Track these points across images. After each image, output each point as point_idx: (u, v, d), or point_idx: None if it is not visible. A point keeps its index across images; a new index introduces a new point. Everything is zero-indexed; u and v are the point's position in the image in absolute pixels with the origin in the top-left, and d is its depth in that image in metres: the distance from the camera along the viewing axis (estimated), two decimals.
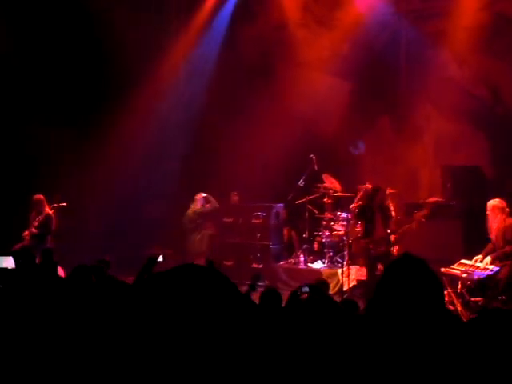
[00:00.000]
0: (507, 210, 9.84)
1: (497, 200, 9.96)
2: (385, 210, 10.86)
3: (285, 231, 14.26)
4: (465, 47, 12.99)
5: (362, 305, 6.83)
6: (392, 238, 10.86)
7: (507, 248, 9.64)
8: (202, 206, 14.44)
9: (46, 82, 13.92)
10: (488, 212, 9.93)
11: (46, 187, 12.64)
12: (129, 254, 13.99)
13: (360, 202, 11.31)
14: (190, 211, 14.51)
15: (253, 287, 7.00)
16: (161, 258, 7.25)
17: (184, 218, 14.55)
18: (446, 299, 9.77)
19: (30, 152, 13.64)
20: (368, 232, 10.99)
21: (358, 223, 11.84)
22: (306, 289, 5.25)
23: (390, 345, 2.61)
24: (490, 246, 10.02)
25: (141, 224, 14.78)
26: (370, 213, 10.85)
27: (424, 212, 10.89)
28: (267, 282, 12.24)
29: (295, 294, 5.33)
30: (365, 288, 11.27)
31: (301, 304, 4.92)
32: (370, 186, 11.10)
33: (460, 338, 2.71)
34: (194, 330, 1.97)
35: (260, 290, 6.99)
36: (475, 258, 10.01)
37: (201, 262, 10.57)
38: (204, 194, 14.45)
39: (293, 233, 14.35)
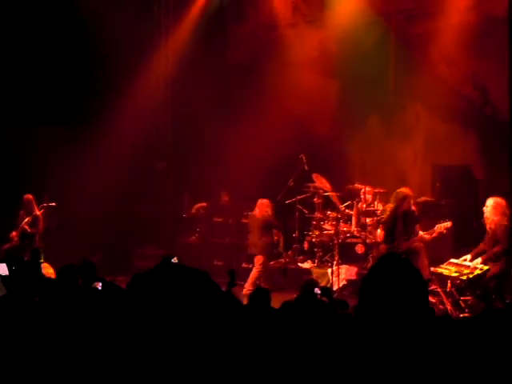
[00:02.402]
0: (507, 210, 9.72)
1: (498, 198, 9.81)
2: (409, 217, 10.60)
3: (274, 231, 14.24)
4: (453, 47, 13.03)
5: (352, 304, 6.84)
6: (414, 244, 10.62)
7: (496, 248, 9.62)
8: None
9: (33, 81, 13.88)
10: (489, 209, 9.78)
11: (34, 187, 12.61)
12: (118, 254, 14.03)
13: (389, 207, 11.04)
14: None
15: (232, 284, 7.02)
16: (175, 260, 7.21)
17: None
18: (436, 299, 9.82)
19: (17, 151, 13.61)
20: (389, 238, 10.76)
21: (379, 227, 11.63)
22: (318, 290, 5.30)
23: (377, 343, 2.61)
24: (481, 246, 10.02)
25: (130, 223, 14.76)
26: (394, 219, 10.60)
27: (447, 225, 10.65)
28: (258, 281, 12.26)
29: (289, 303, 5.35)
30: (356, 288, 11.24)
31: (292, 305, 4.95)
32: (402, 192, 10.77)
33: (446, 336, 2.72)
34: (178, 328, 1.97)
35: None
36: (463, 258, 10.02)
37: None
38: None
39: (280, 233, 14.33)
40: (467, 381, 2.72)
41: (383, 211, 11.70)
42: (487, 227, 9.82)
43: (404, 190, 10.75)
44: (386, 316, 2.63)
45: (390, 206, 10.92)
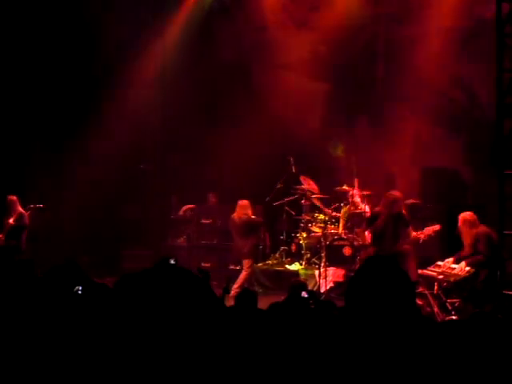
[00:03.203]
0: (477, 222, 9.87)
1: (467, 213, 9.99)
2: (399, 220, 10.54)
3: (261, 230, 14.22)
4: (441, 50, 13.06)
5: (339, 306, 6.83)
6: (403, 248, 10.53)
7: (479, 257, 9.67)
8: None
9: (19, 84, 13.84)
10: (459, 224, 9.98)
11: (22, 188, 12.55)
12: (106, 255, 13.99)
13: (377, 209, 10.99)
14: None
15: (226, 290, 7.00)
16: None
17: None
18: (423, 301, 9.83)
19: (5, 153, 13.57)
20: (377, 241, 10.69)
21: (367, 229, 11.61)
22: (305, 294, 5.30)
23: (364, 344, 2.62)
24: (465, 250, 10.07)
25: (118, 225, 14.74)
26: (383, 221, 10.52)
27: (435, 227, 10.72)
28: (246, 284, 12.26)
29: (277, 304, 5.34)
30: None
31: (278, 307, 4.94)
32: (393, 194, 10.72)
33: (431, 336, 2.73)
34: (167, 327, 1.96)
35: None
36: (446, 261, 10.05)
37: None
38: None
39: (267, 234, 14.33)
40: (454, 381, 2.72)
41: (371, 213, 11.69)
42: (464, 242, 9.96)
43: (394, 193, 10.74)
44: (372, 317, 2.63)
45: (379, 209, 10.90)
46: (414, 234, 10.62)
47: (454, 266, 9.87)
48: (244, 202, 12.67)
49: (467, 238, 9.91)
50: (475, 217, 9.93)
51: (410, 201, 12.25)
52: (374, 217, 10.90)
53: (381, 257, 2.92)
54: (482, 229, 9.80)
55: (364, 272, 2.79)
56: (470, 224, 9.89)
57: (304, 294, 5.29)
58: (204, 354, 2.03)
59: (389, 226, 10.38)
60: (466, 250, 9.95)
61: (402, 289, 2.69)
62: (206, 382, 2.01)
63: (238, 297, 6.12)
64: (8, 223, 11.98)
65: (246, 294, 6.11)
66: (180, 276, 2.15)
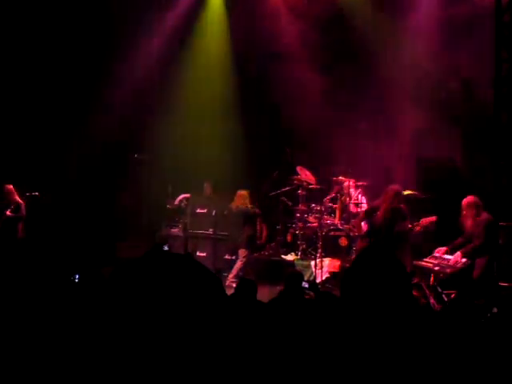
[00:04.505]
0: (481, 208, 9.69)
1: (470, 197, 9.82)
2: (397, 214, 10.53)
3: (258, 221, 14.21)
4: (437, 40, 13.02)
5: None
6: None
7: (476, 242, 9.58)
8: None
9: (17, 68, 13.79)
10: (463, 208, 9.79)
11: (17, 176, 12.51)
12: (101, 245, 13.95)
13: (377, 203, 10.96)
14: None
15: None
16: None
17: None
18: (419, 292, 9.82)
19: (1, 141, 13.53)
20: (374, 233, 10.66)
21: (364, 221, 11.60)
22: (306, 285, 5.29)
23: (360, 335, 2.60)
24: (459, 240, 10.03)
25: (113, 215, 14.71)
26: (382, 216, 10.49)
27: (431, 219, 10.66)
28: (241, 273, 12.27)
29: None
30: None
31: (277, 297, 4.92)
32: (394, 189, 10.67)
33: (428, 327, 2.72)
34: (166, 316, 1.93)
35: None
36: (439, 249, 10.03)
37: None
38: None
39: (264, 226, 14.31)
40: (451, 372, 2.71)
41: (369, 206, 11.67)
42: (467, 226, 9.83)
43: (394, 187, 10.73)
44: (368, 307, 2.61)
45: (378, 202, 10.90)
46: (410, 225, 10.59)
47: (448, 256, 9.84)
48: (243, 192, 12.68)
49: (469, 224, 9.76)
50: (480, 202, 9.73)
51: (407, 192, 12.25)
52: (373, 210, 10.91)
53: (377, 247, 2.89)
54: (485, 215, 9.61)
55: (360, 262, 2.77)
56: (475, 208, 9.70)
57: (305, 285, 5.27)
58: (204, 340, 1.99)
59: (387, 220, 10.37)
60: (467, 235, 9.84)
61: (398, 279, 2.67)
62: (207, 374, 1.98)
63: (237, 286, 6.10)
64: (5, 214, 11.92)
65: (246, 284, 6.09)
66: (175, 261, 2.11)
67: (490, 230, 9.44)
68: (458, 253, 9.67)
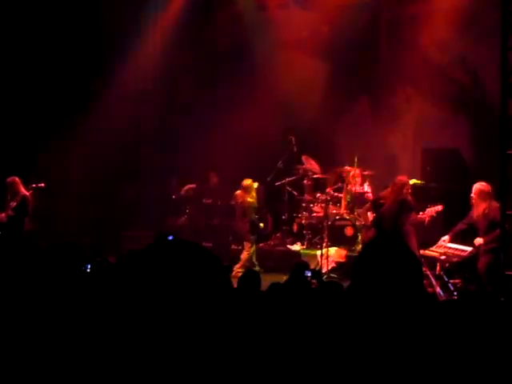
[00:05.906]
0: (492, 195, 9.57)
1: (483, 184, 9.68)
2: (404, 205, 10.44)
3: (264, 211, 14.20)
4: (444, 31, 12.97)
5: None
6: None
7: (498, 231, 9.33)
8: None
9: (20, 69, 13.82)
10: (473, 195, 9.68)
11: (23, 169, 12.51)
12: (106, 236, 13.97)
13: (384, 194, 10.92)
14: None
15: (229, 270, 6.91)
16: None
17: None
18: (425, 281, 9.82)
19: (6, 135, 13.55)
20: (380, 223, 10.61)
21: (370, 211, 11.54)
22: (308, 273, 5.29)
23: (370, 326, 2.59)
24: (459, 225, 9.97)
25: (118, 205, 14.73)
26: (389, 207, 10.44)
27: (437, 208, 10.58)
28: (247, 264, 12.29)
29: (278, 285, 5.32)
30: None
31: (282, 287, 4.92)
32: (402, 181, 10.67)
33: (436, 318, 2.71)
34: (174, 307, 1.93)
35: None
36: (443, 239, 10.01)
37: None
38: None
39: (268, 215, 14.31)
40: (462, 366, 2.70)
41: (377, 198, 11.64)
42: (475, 213, 9.72)
43: (402, 178, 10.67)
44: (379, 297, 2.60)
45: (385, 193, 10.88)
46: (416, 216, 10.54)
47: (453, 245, 9.81)
48: (247, 182, 12.67)
49: (479, 210, 9.64)
50: (491, 188, 9.59)
51: (413, 181, 12.23)
52: (380, 200, 10.89)
53: (386, 236, 2.88)
54: (496, 204, 9.39)
55: (370, 251, 2.76)
56: (486, 195, 9.58)
57: (307, 273, 5.28)
58: (208, 329, 1.99)
59: (393, 211, 10.31)
60: (469, 221, 9.77)
61: (409, 267, 2.66)
62: (210, 367, 1.98)
63: (241, 278, 6.09)
64: (10, 206, 11.85)
65: (250, 275, 6.09)
66: (183, 249, 2.10)
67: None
68: (480, 239, 9.49)
